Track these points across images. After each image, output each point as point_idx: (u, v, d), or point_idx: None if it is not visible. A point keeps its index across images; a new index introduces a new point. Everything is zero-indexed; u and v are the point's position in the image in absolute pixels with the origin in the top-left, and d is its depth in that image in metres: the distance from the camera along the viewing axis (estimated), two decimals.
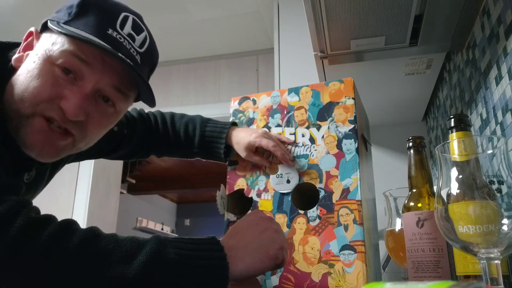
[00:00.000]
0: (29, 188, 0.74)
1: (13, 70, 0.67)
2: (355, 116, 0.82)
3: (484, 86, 0.89)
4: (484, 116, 0.90)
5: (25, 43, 0.69)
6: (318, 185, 0.80)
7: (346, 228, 0.76)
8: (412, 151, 0.78)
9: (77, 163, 2.62)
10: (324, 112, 0.85)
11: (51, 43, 0.64)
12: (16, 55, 0.68)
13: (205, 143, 0.94)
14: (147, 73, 0.74)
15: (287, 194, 0.83)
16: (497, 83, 0.82)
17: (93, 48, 0.63)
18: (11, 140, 0.64)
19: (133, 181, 4.98)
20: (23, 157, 0.67)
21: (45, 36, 0.67)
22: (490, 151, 0.53)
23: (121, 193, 3.44)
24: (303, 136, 0.85)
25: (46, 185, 0.83)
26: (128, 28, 0.68)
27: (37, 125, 0.63)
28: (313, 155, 0.83)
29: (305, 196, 0.84)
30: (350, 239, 0.75)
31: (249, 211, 0.85)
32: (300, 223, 0.79)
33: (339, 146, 0.81)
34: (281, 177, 0.84)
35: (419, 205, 0.74)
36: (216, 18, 2.58)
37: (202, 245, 0.56)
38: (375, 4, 0.88)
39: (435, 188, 0.61)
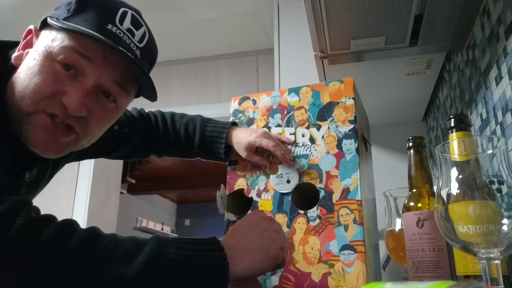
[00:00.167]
0: (30, 187, 0.74)
1: (14, 68, 0.67)
2: (355, 116, 0.82)
3: (484, 86, 0.89)
4: (484, 116, 0.90)
5: (24, 41, 0.69)
6: (318, 185, 0.80)
7: (346, 228, 0.76)
8: (412, 151, 0.78)
9: (77, 163, 2.62)
10: (324, 112, 0.85)
11: (51, 40, 0.64)
12: (16, 54, 0.68)
13: (205, 143, 0.94)
14: (147, 68, 0.74)
15: (287, 194, 0.83)
16: (497, 83, 0.82)
17: (94, 43, 0.63)
18: (13, 138, 0.64)
19: (133, 181, 4.98)
20: (25, 156, 0.67)
21: (44, 33, 0.67)
22: (490, 151, 0.53)
23: (121, 193, 3.44)
24: (303, 136, 0.85)
25: (46, 184, 0.83)
26: (127, 23, 0.68)
27: (41, 122, 0.63)
28: (313, 155, 0.83)
29: (305, 196, 0.84)
30: (350, 239, 0.75)
31: (249, 211, 0.85)
32: (300, 223, 0.79)
33: (339, 146, 0.81)
34: (281, 177, 0.84)
35: (419, 205, 0.74)
36: (216, 18, 2.58)
37: (202, 245, 0.56)
38: (375, 4, 0.88)
39: (435, 188, 0.61)
